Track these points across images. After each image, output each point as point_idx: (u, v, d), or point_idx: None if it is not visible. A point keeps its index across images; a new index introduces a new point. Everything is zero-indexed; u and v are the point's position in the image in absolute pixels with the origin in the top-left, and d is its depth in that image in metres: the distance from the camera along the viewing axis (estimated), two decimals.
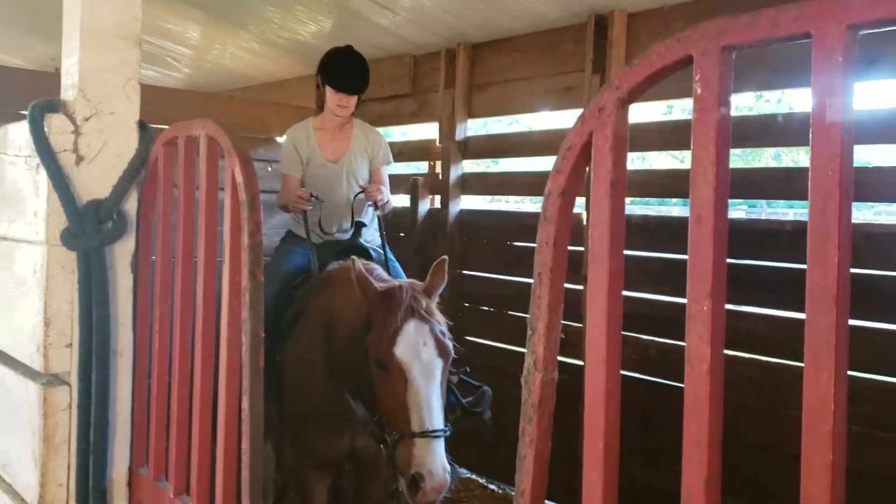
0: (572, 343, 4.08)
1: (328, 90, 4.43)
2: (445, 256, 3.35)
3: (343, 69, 4.44)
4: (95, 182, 2.24)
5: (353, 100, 4.47)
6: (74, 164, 2.21)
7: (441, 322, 3.18)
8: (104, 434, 2.18)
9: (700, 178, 1.00)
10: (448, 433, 2.99)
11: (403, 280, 3.45)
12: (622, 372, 3.87)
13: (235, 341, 1.86)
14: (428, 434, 2.85)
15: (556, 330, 1.17)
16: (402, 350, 2.98)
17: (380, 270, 3.67)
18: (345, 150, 4.60)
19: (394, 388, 2.98)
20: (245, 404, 1.76)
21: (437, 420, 2.91)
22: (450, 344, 3.12)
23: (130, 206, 2.30)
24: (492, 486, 5.52)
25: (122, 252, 2.29)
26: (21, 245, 2.37)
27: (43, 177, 2.19)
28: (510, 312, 5.49)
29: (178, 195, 2.13)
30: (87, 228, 2.16)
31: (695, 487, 0.99)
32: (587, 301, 1.11)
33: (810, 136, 0.86)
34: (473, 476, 5.67)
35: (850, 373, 3.01)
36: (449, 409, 3.61)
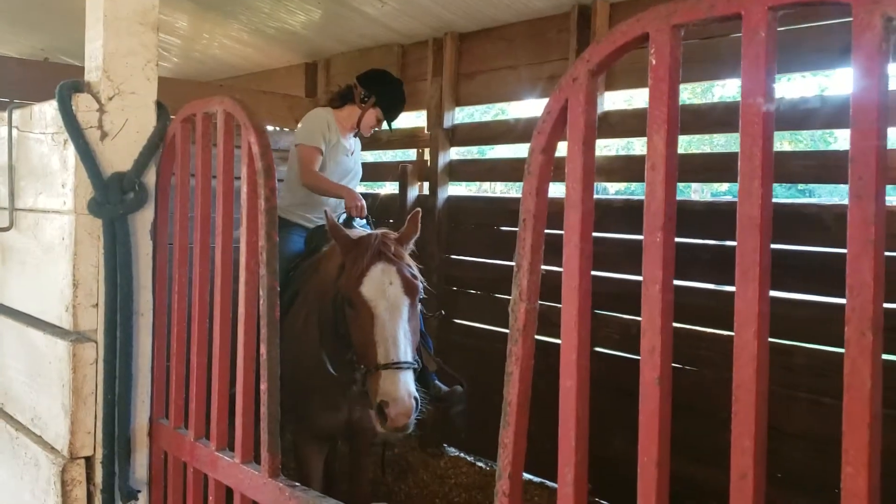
0: (554, 323, 4.24)
1: (373, 111, 4.83)
2: (419, 209, 3.55)
3: (400, 105, 4.95)
4: (118, 156, 2.44)
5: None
6: (99, 139, 2.41)
7: (411, 265, 3.36)
8: (128, 386, 2.39)
9: (655, 133, 1.22)
10: (416, 367, 3.14)
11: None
12: (603, 350, 4.05)
13: (252, 296, 2.08)
14: (391, 366, 3.00)
15: (538, 267, 1.39)
16: (367, 288, 3.16)
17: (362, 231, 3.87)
18: (354, 148, 5.00)
19: (362, 324, 3.15)
20: (263, 350, 1.97)
21: (402, 353, 3.05)
22: (419, 284, 3.29)
23: (150, 178, 2.51)
24: (480, 464, 5.68)
25: (143, 220, 2.49)
26: (49, 215, 2.57)
27: (71, 151, 2.39)
28: (496, 295, 5.65)
29: (196, 168, 2.34)
30: (111, 198, 2.37)
31: (650, 385, 1.21)
32: (564, 239, 1.33)
33: (741, 87, 1.08)
34: (462, 454, 5.85)
35: (824, 348, 3.20)
36: (424, 393, 3.85)
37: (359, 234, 3.42)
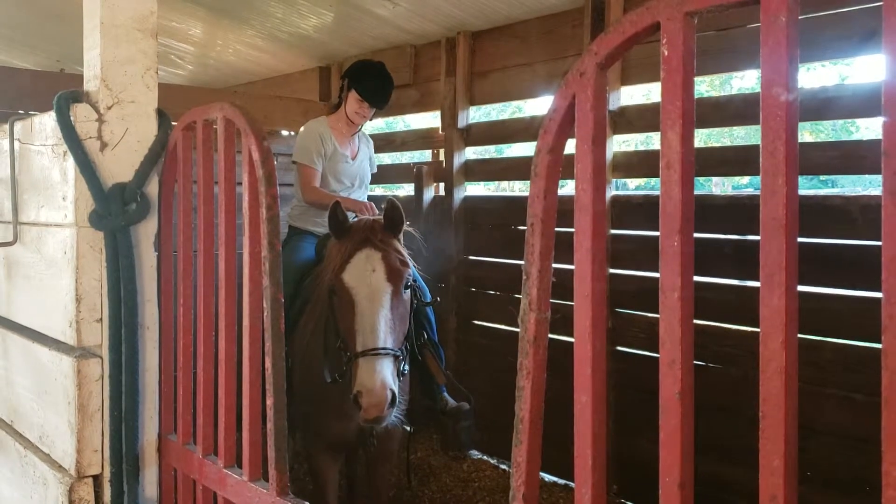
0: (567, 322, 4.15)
1: (352, 96, 4.69)
2: (392, 198, 3.46)
3: (374, 82, 4.73)
4: (119, 166, 2.39)
5: (370, 113, 4.78)
6: (99, 150, 2.36)
7: (400, 252, 3.28)
8: (135, 402, 2.33)
9: (669, 129, 1.13)
10: (397, 355, 3.06)
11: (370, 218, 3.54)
12: (629, 350, 3.96)
13: (257, 308, 2.01)
14: (368, 353, 2.94)
15: (548, 274, 1.31)
16: (349, 275, 3.12)
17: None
18: (356, 151, 4.90)
19: (344, 312, 3.11)
20: (268, 364, 1.90)
21: (380, 340, 2.99)
22: (405, 271, 3.21)
23: (152, 188, 2.45)
24: (503, 466, 5.61)
25: (146, 232, 2.43)
26: (51, 229, 2.51)
27: (70, 163, 2.34)
28: (516, 296, 5.58)
29: (198, 176, 2.28)
30: (112, 210, 2.31)
31: (671, 400, 1.12)
32: (574, 244, 1.25)
33: (760, 75, 0.99)
34: (485, 457, 5.79)
35: (851, 342, 3.11)
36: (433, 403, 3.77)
37: (352, 222, 3.36)
